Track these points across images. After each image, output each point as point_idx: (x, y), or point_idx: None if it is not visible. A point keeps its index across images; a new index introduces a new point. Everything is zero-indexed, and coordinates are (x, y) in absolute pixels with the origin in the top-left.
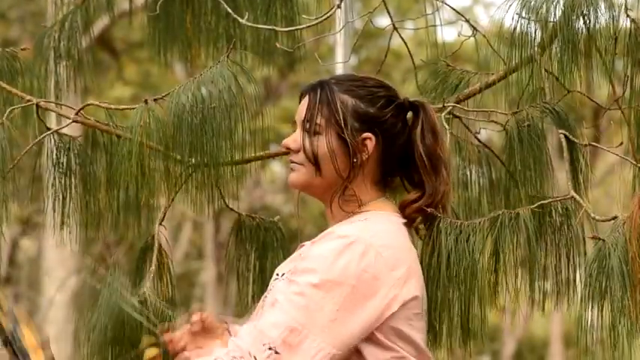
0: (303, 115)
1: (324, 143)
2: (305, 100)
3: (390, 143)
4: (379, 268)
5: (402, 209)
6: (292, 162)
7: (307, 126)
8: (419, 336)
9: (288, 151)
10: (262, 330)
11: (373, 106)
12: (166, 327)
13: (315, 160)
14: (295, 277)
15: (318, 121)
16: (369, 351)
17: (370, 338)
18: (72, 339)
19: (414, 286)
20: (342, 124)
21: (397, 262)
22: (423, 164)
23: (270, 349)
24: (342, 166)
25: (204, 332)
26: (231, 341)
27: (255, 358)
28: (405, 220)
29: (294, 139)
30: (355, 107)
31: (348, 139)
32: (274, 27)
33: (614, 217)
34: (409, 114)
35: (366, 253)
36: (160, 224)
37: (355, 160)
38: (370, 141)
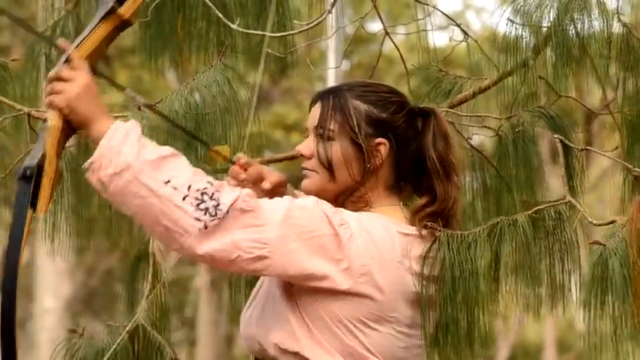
0: (317, 122)
1: (337, 149)
2: (317, 107)
3: (402, 148)
4: (348, 246)
5: (414, 214)
6: (305, 169)
7: (320, 132)
8: (367, 341)
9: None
10: (242, 201)
11: (386, 111)
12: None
13: (329, 166)
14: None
15: (331, 127)
16: (326, 338)
17: (324, 321)
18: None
19: (379, 286)
20: (356, 130)
21: (367, 253)
22: (436, 170)
23: (218, 204)
24: (355, 171)
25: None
26: (232, 187)
27: (218, 199)
28: (408, 231)
29: (307, 145)
30: (368, 112)
31: (362, 145)
32: (265, 32)
33: (612, 222)
34: (419, 121)
35: (345, 226)
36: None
37: (369, 166)
38: (384, 146)
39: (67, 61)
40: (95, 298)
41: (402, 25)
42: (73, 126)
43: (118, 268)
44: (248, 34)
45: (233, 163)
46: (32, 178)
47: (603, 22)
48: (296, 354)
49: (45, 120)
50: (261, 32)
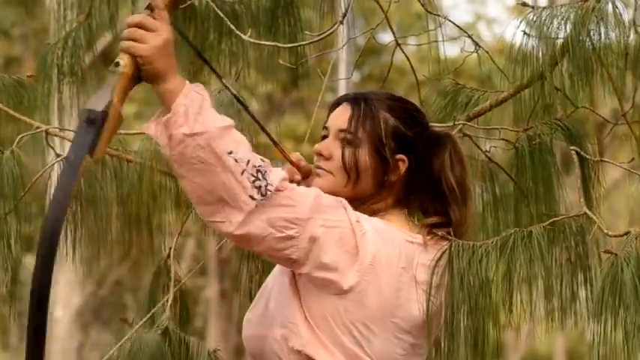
0: (345, 126)
1: (361, 156)
2: (343, 110)
3: (418, 168)
4: (361, 243)
5: (423, 227)
6: (320, 168)
7: (348, 137)
8: (367, 345)
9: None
10: (280, 181)
11: (411, 129)
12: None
13: (349, 172)
14: None
15: (359, 135)
16: (328, 338)
17: (327, 321)
18: (75, 356)
19: (381, 289)
20: (383, 141)
21: (375, 254)
22: (454, 195)
23: (268, 184)
24: (373, 181)
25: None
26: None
27: (268, 179)
28: (414, 240)
29: (326, 146)
30: (395, 127)
31: (387, 157)
32: (277, 43)
33: (627, 233)
34: (435, 144)
35: (359, 225)
36: (173, 251)
37: (386, 179)
38: (403, 163)
39: (150, 9)
40: (105, 308)
41: (413, 35)
42: (141, 76)
43: (127, 279)
44: (260, 45)
45: (291, 162)
46: (96, 124)
47: (619, 33)
48: (299, 352)
49: (116, 64)
50: (272, 43)
